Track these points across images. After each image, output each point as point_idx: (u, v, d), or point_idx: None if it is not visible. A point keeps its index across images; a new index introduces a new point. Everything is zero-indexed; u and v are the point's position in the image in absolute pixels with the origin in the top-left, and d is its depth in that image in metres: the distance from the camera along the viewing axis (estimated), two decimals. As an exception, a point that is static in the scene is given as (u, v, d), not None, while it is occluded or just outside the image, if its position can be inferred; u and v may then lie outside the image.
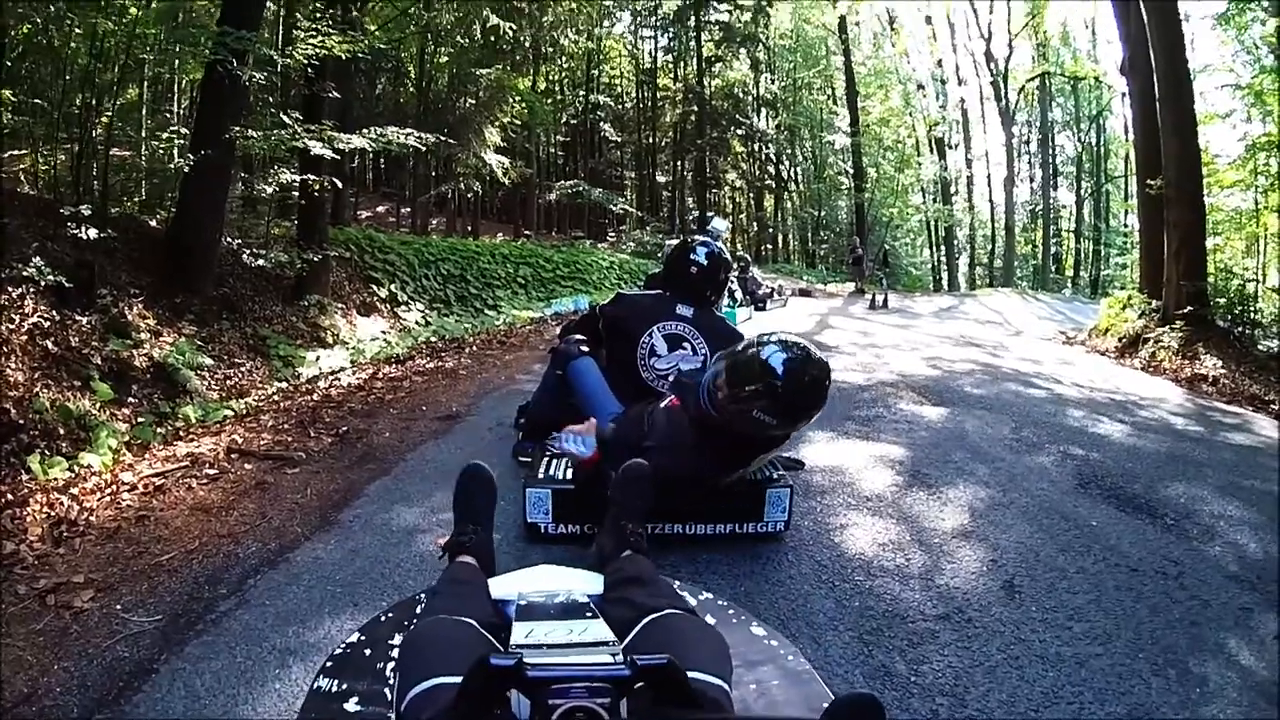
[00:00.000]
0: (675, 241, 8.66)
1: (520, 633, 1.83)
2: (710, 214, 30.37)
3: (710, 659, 1.77)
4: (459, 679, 1.41)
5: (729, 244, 32.92)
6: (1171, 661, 2.78)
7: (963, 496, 4.43)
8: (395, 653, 2.18)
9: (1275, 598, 3.29)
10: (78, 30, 7.76)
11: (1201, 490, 4.71)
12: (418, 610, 2.35)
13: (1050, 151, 43.01)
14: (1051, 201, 42.97)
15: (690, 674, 1.55)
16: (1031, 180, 45.31)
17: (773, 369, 2.93)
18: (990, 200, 45.08)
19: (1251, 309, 11.01)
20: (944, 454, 5.23)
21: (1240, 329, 10.43)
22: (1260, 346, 10.11)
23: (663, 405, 3.63)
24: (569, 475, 3.70)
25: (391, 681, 2.00)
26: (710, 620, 2.32)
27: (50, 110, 8.05)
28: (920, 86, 43.28)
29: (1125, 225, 39.15)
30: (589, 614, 2.00)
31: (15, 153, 8.77)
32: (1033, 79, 40.71)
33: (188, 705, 2.45)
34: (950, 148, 43.87)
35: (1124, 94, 25.46)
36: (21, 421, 4.97)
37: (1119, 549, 3.74)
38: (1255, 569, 3.59)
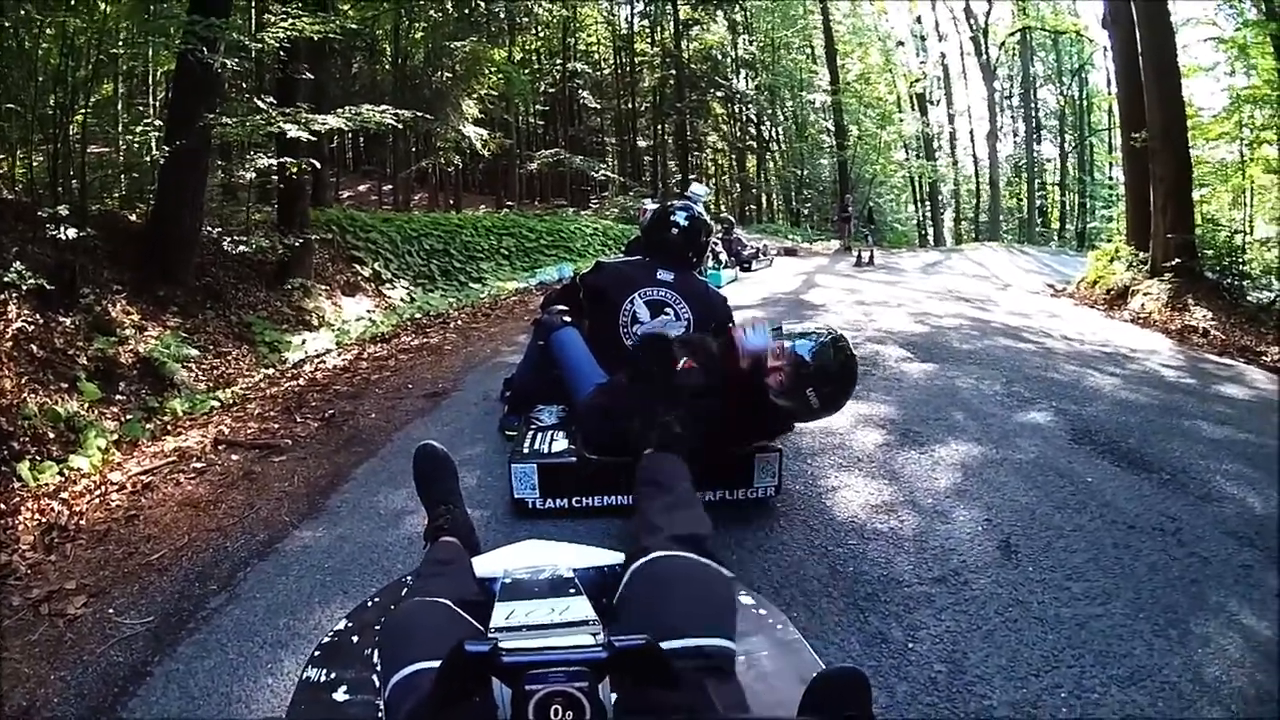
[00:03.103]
0: (652, 204, 8.62)
1: (501, 614, 1.80)
2: (692, 177, 30.23)
3: (707, 617, 1.72)
4: (438, 663, 1.39)
5: (713, 206, 32.81)
6: (1173, 621, 2.76)
7: (955, 455, 4.42)
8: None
9: (1275, 554, 3.27)
10: (48, 31, 7.66)
11: (1196, 444, 4.70)
12: (403, 594, 2.32)
13: (1033, 106, 42.90)
14: (1035, 155, 42.94)
15: (688, 641, 1.57)
16: (1015, 135, 45.15)
17: (841, 359, 3.06)
18: (974, 155, 44.98)
19: (1240, 260, 11.00)
20: (935, 411, 5.22)
21: (1229, 280, 10.43)
22: (1250, 298, 10.12)
23: (679, 368, 3.58)
24: (556, 449, 3.69)
25: (380, 669, 1.98)
26: None
27: (24, 113, 7.94)
28: (900, 43, 43.00)
29: (1110, 178, 38.98)
30: (572, 590, 1.97)
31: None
32: (1013, 34, 40.57)
33: (182, 706, 2.45)
34: (932, 104, 43.62)
35: (1105, 47, 25.41)
36: (10, 429, 4.94)
37: (1115, 505, 3.73)
38: (1254, 525, 3.57)
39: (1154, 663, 2.53)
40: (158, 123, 9.51)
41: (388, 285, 12.61)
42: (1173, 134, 10.78)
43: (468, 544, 2.48)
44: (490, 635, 1.69)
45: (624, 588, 1.87)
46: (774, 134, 42.33)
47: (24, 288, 5.97)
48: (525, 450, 3.70)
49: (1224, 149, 13.83)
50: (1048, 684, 2.43)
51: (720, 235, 15.40)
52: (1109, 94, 32.31)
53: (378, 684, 1.94)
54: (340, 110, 9.90)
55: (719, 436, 3.34)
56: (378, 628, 2.18)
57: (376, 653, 2.03)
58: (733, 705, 1.57)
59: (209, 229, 9.33)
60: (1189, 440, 4.76)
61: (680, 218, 4.40)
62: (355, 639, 2.19)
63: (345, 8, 12.91)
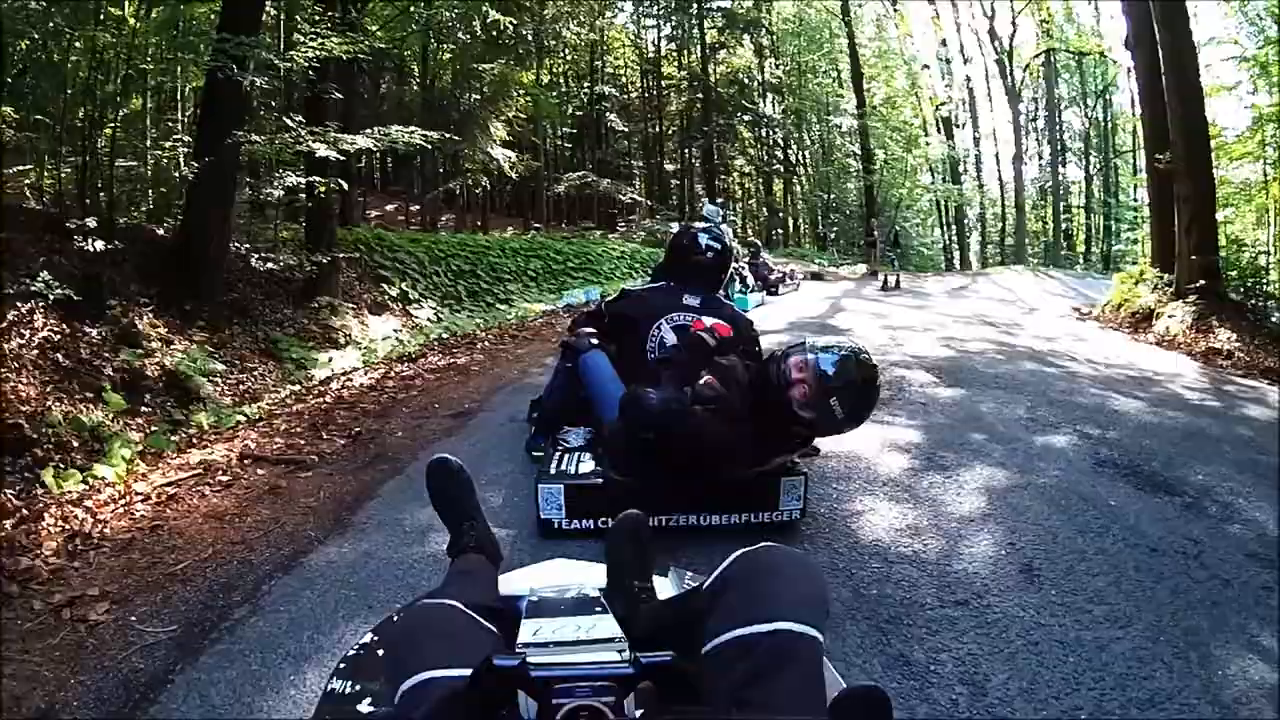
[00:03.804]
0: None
1: (528, 630, 1.81)
2: (703, 199, 30.20)
3: (803, 604, 1.63)
4: (451, 672, 1.40)
5: (738, 230, 32.77)
6: (1193, 644, 2.76)
7: (979, 479, 4.41)
8: None
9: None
10: (78, 44, 7.76)
11: (1219, 466, 4.67)
12: None
13: (1057, 128, 42.74)
14: (1060, 178, 42.76)
15: (779, 625, 1.50)
16: (1040, 157, 44.95)
17: (864, 373, 3.18)
18: (999, 178, 44.85)
19: (1264, 282, 10.93)
20: (960, 435, 5.21)
21: (1254, 302, 10.36)
22: (1274, 319, 10.04)
23: (701, 382, 3.58)
24: (583, 470, 3.71)
25: (386, 673, 1.99)
26: None
27: (53, 125, 8.04)
28: (925, 66, 42.90)
29: (1135, 200, 38.79)
30: (598, 609, 1.98)
31: (20, 168, 8.78)
32: (1037, 56, 40.45)
33: (203, 715, 2.46)
34: (958, 127, 43.48)
35: (1129, 69, 25.30)
36: (35, 436, 4.98)
37: (1138, 529, 3.72)
38: (1275, 547, 3.55)
39: (1174, 685, 2.53)
40: (186, 138, 9.63)
41: (415, 305, 12.69)
42: (1196, 154, 10.72)
43: (493, 558, 2.49)
44: (518, 650, 1.71)
45: (725, 570, 1.75)
46: (800, 157, 42.33)
47: (51, 297, 6.04)
48: (552, 471, 3.72)
49: (1247, 169, 13.76)
50: (1068, 706, 2.43)
51: (747, 259, 15.44)
52: (1133, 115, 32.16)
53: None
54: (369, 130, 9.99)
55: (748, 457, 3.36)
56: None
57: (386, 657, 2.04)
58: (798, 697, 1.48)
59: (237, 245, 9.44)
60: (1212, 463, 4.74)
61: (702, 241, 4.42)
62: (381, 652, 2.20)
63: (374, 29, 13.01)
